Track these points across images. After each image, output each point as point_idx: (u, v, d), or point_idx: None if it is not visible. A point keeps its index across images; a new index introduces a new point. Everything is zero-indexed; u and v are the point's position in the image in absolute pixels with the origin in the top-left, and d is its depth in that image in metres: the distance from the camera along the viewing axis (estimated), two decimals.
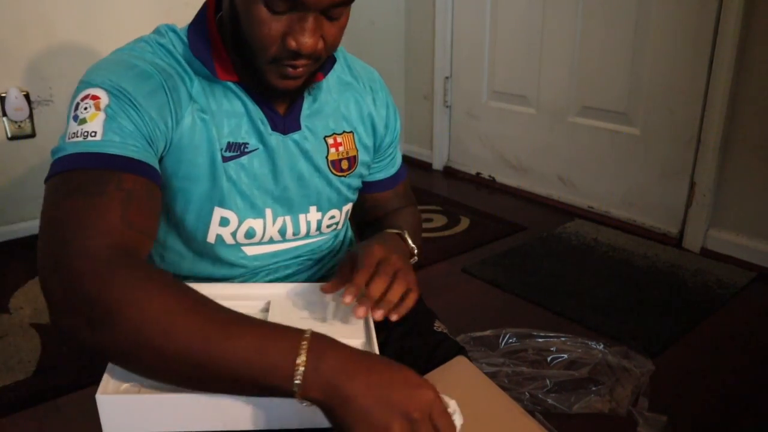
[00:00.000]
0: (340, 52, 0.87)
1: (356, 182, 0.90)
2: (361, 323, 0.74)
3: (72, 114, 0.63)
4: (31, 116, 2.12)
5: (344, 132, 0.86)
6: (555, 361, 1.44)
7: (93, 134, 0.60)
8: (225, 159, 0.76)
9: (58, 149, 0.62)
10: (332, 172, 0.85)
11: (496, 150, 2.76)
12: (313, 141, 0.83)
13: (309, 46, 0.65)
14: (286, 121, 0.80)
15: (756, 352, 1.51)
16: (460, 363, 0.80)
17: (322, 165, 0.84)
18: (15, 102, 2.07)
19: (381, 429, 0.49)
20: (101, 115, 0.61)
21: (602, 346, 1.48)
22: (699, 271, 1.90)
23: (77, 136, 0.61)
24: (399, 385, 0.51)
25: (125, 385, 0.59)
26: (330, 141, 0.84)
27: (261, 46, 0.67)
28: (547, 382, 1.36)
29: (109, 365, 0.61)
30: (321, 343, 0.53)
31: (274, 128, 0.79)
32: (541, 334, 1.52)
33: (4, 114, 2.07)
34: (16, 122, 2.09)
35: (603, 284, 1.84)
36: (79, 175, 0.59)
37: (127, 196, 0.59)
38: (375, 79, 0.91)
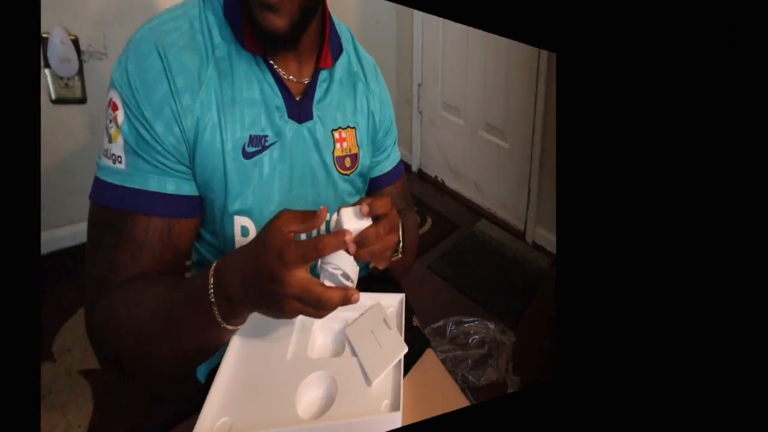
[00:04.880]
0: (350, 40, 0.83)
1: (357, 182, 0.83)
2: (396, 344, 0.69)
3: (106, 119, 0.66)
4: (81, 72, 1.61)
5: (348, 127, 0.79)
6: (473, 342, 1.61)
7: (119, 160, 0.64)
8: (248, 155, 0.69)
9: (98, 163, 0.66)
10: (337, 170, 0.79)
11: (444, 156, 2.85)
12: (323, 133, 0.76)
13: None
14: (301, 108, 0.73)
15: None
16: (428, 357, 0.88)
17: (329, 161, 0.78)
18: (61, 49, 1.57)
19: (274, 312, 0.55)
20: (120, 139, 0.64)
21: (493, 325, 1.66)
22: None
23: (107, 157, 0.65)
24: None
25: (218, 423, 0.58)
26: (336, 135, 0.78)
27: None
28: (469, 362, 1.52)
29: (205, 404, 0.59)
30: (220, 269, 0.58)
31: (291, 116, 0.72)
32: (465, 319, 1.69)
33: (47, 64, 1.52)
34: (62, 78, 1.60)
35: (496, 274, 2.02)
36: (106, 213, 0.64)
37: (138, 247, 0.63)
38: (372, 67, 0.85)
